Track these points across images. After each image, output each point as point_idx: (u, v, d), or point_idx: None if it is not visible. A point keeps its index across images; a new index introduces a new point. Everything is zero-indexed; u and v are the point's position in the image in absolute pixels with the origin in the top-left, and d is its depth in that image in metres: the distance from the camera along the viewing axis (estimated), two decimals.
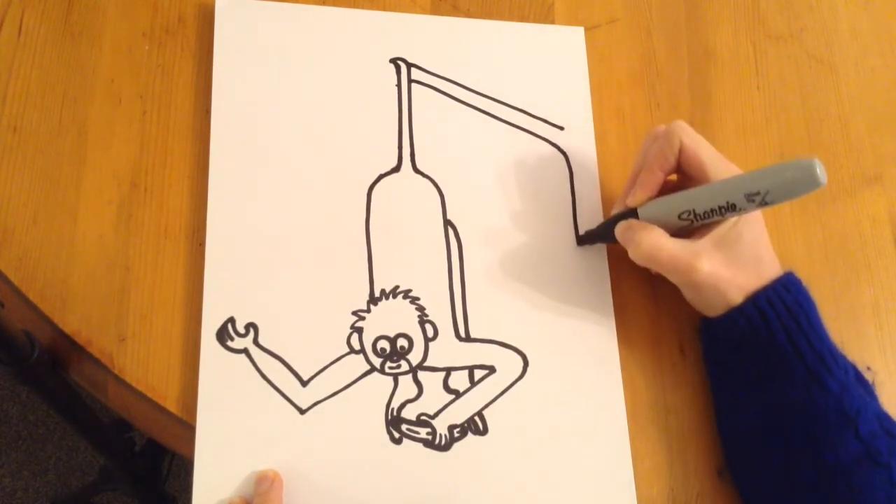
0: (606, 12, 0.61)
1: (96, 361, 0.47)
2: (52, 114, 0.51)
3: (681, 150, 0.47)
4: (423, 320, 0.50)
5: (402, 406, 0.48)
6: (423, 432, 0.47)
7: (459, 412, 0.48)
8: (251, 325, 0.48)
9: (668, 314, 0.53)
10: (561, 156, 0.56)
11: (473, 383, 0.49)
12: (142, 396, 0.46)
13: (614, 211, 0.51)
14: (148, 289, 0.48)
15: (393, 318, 0.50)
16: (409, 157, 0.54)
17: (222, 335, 0.47)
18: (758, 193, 0.42)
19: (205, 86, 0.53)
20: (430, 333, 0.50)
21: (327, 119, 0.53)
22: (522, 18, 0.60)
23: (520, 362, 0.50)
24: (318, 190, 0.52)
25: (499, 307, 0.51)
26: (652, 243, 0.46)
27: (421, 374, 0.49)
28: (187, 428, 0.46)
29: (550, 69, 0.58)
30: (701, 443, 0.51)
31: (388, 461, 0.46)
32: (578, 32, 0.59)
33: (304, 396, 0.47)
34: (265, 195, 0.51)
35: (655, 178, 0.48)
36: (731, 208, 0.44)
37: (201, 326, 0.47)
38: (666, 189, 0.49)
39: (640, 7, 0.62)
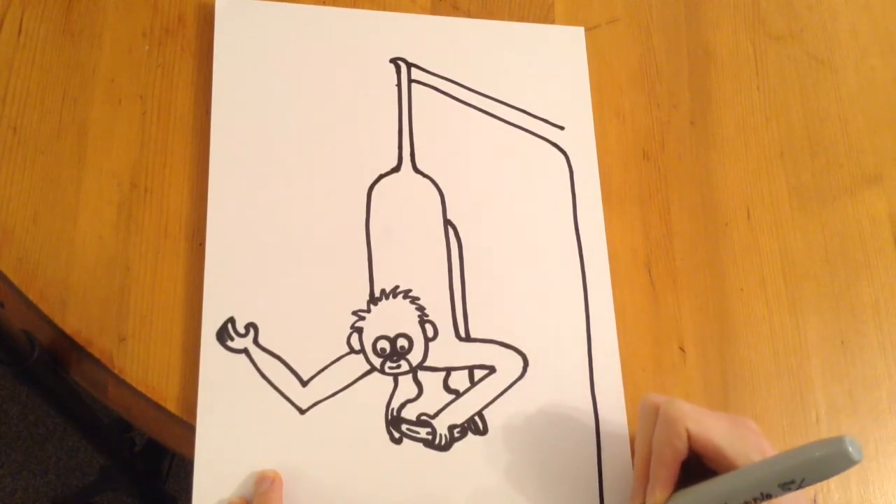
0: (606, 12, 0.61)
1: (96, 361, 0.47)
2: (52, 114, 0.51)
3: (689, 438, 0.43)
4: (423, 320, 0.50)
5: (402, 406, 0.48)
6: (423, 432, 0.47)
7: (459, 412, 0.48)
8: (251, 325, 0.48)
9: (669, 318, 0.54)
10: (561, 155, 0.56)
11: (473, 383, 0.49)
12: (142, 396, 0.46)
13: (632, 502, 0.46)
14: (148, 289, 0.48)
15: (393, 318, 0.50)
16: (409, 157, 0.53)
17: (222, 335, 0.47)
18: (793, 482, 0.40)
19: (205, 86, 0.53)
20: (430, 333, 0.50)
21: (327, 119, 0.53)
22: (522, 18, 0.60)
23: (520, 362, 0.50)
24: (318, 190, 0.52)
25: (499, 307, 0.51)
26: None
27: (421, 374, 0.49)
28: (187, 428, 0.46)
29: (550, 69, 0.58)
30: None
31: (388, 461, 0.46)
32: (578, 32, 0.59)
33: (304, 396, 0.47)
34: (265, 195, 0.51)
35: (671, 472, 0.44)
36: (766, 497, 0.41)
37: (201, 326, 0.47)
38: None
39: (640, 7, 0.62)
